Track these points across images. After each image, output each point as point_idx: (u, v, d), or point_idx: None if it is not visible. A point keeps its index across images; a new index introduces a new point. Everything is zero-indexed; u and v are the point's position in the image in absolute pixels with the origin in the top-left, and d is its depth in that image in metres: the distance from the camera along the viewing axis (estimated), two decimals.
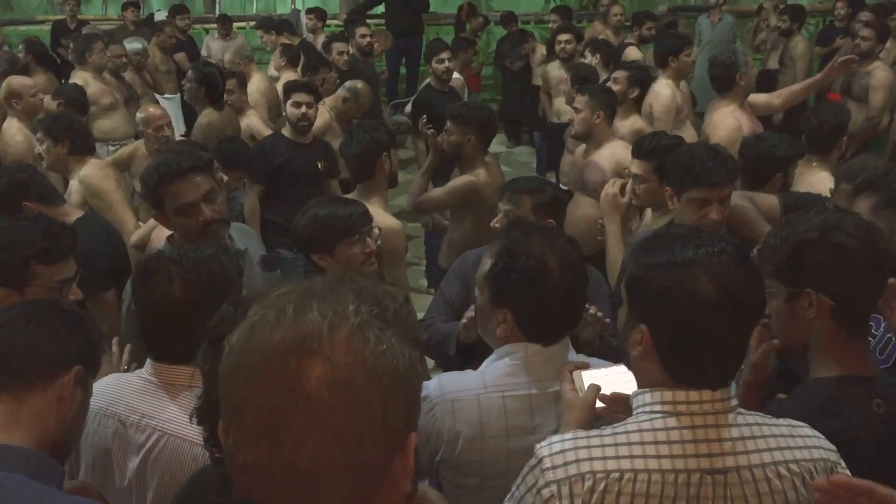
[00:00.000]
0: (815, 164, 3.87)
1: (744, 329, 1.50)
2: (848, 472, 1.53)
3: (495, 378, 1.87)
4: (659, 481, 1.43)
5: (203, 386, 1.54)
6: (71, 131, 4.05)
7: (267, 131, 5.65)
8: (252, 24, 9.68)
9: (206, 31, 10.54)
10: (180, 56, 8.66)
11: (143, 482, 1.86)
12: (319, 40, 8.67)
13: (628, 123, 5.02)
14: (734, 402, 1.50)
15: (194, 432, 1.78)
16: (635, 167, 3.37)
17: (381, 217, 3.39)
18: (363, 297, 0.94)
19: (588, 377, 1.83)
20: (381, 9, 10.42)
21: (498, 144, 9.53)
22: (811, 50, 8.11)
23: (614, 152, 4.20)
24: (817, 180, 3.69)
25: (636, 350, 1.52)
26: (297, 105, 4.83)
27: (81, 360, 1.64)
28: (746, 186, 3.40)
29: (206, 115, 5.32)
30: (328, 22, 9.71)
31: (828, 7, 9.25)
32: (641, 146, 3.38)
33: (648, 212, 3.62)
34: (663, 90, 5.27)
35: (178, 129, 7.14)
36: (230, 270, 2.02)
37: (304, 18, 9.61)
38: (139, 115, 4.82)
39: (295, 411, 0.87)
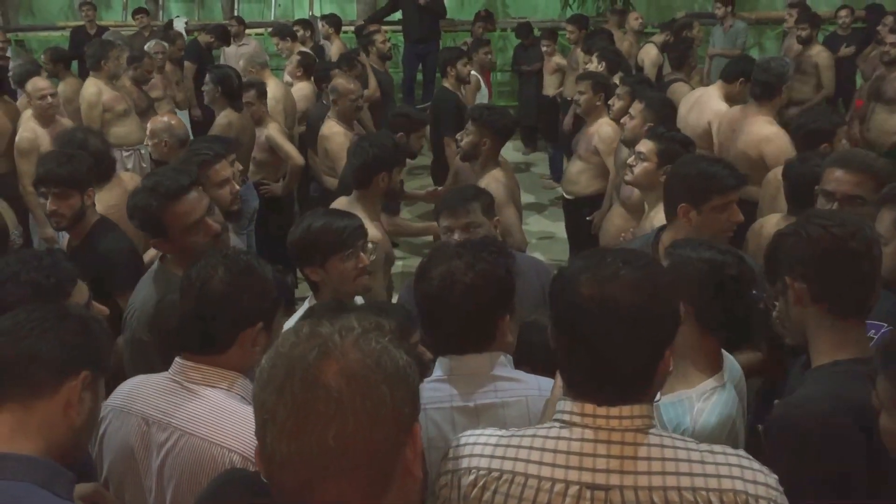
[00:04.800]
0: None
1: (634, 343, 1.43)
2: None
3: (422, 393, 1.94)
4: (534, 487, 1.45)
5: None
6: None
7: (287, 144, 5.66)
8: (269, 30, 9.71)
9: None
10: (188, 67, 8.72)
11: (163, 481, 1.88)
12: (335, 47, 8.69)
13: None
14: (647, 420, 1.46)
15: (214, 433, 1.83)
16: (642, 145, 3.53)
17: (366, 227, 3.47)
18: (363, 317, 1.16)
19: None
20: (397, 15, 10.44)
21: (514, 151, 9.52)
22: (832, 57, 8.03)
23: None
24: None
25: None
26: None
27: (89, 364, 1.63)
28: (793, 210, 3.26)
29: (226, 116, 5.37)
30: (344, 28, 9.72)
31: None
32: (654, 131, 3.59)
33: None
34: (721, 107, 5.12)
35: None
36: (269, 274, 2.06)
37: (319, 25, 9.63)
38: None
39: (319, 403, 1.05)
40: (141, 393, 1.96)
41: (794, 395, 1.95)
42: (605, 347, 1.43)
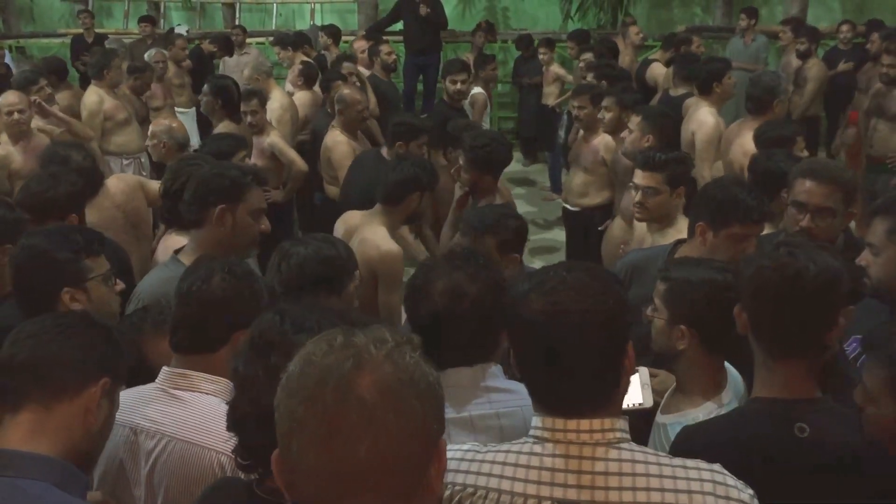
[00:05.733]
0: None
1: (589, 348, 1.44)
2: None
3: None
4: (506, 502, 1.45)
5: (239, 391, 1.54)
6: None
7: (290, 150, 5.65)
8: (270, 39, 9.72)
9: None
10: (187, 63, 8.66)
11: (153, 489, 1.88)
12: (334, 57, 8.68)
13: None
14: (618, 434, 1.46)
15: (200, 435, 1.83)
16: (647, 179, 3.38)
17: (384, 241, 3.50)
18: (394, 330, 1.14)
19: None
20: (399, 26, 10.45)
21: (514, 163, 9.50)
22: (824, 72, 8.08)
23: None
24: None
25: None
26: None
27: (109, 372, 1.66)
28: None
29: (225, 126, 5.35)
30: (344, 38, 9.73)
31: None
32: (653, 159, 3.41)
33: (642, 231, 3.64)
34: (707, 119, 5.06)
35: (193, 142, 7.18)
36: (262, 286, 2.10)
37: (319, 35, 9.63)
38: None
39: (352, 414, 1.03)
40: (129, 403, 1.95)
41: (700, 422, 1.98)
42: (561, 357, 1.44)
